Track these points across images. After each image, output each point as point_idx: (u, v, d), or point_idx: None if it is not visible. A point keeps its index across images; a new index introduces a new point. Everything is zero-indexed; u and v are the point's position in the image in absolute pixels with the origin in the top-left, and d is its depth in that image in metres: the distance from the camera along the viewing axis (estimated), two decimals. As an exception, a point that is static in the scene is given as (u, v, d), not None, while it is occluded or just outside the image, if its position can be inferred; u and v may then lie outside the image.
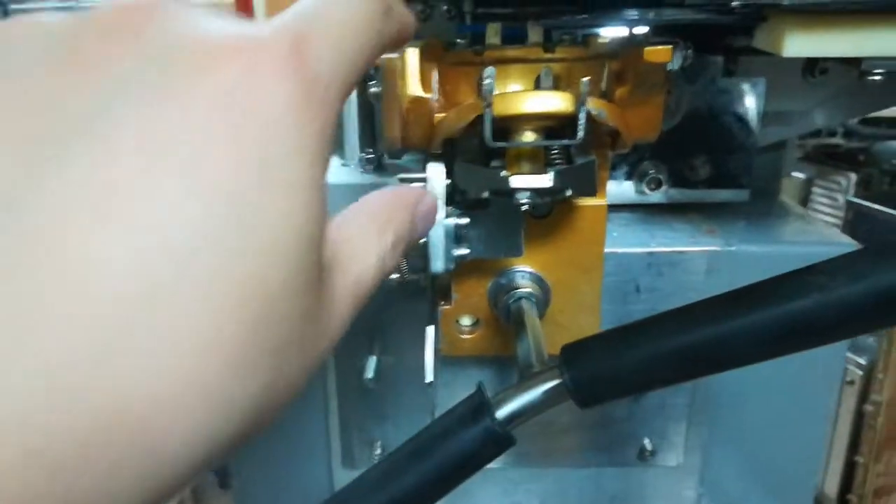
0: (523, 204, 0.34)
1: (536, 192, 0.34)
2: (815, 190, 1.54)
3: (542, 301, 0.39)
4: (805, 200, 1.53)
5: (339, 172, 0.44)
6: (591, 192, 0.35)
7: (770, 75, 0.43)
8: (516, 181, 0.34)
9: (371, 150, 0.43)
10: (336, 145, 0.46)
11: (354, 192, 0.42)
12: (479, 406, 0.33)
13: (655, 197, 0.46)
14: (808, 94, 0.45)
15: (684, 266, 0.41)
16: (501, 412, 0.33)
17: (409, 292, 0.43)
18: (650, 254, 0.41)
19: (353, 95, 0.45)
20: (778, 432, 0.47)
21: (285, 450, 0.46)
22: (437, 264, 0.36)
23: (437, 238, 0.36)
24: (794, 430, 0.47)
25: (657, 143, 0.45)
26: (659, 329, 0.30)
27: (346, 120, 0.45)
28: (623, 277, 0.42)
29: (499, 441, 0.33)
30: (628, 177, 0.46)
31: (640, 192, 0.46)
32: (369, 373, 0.43)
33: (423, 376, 0.45)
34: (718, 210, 0.45)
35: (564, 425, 0.47)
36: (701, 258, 0.41)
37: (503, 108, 0.33)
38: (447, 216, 0.36)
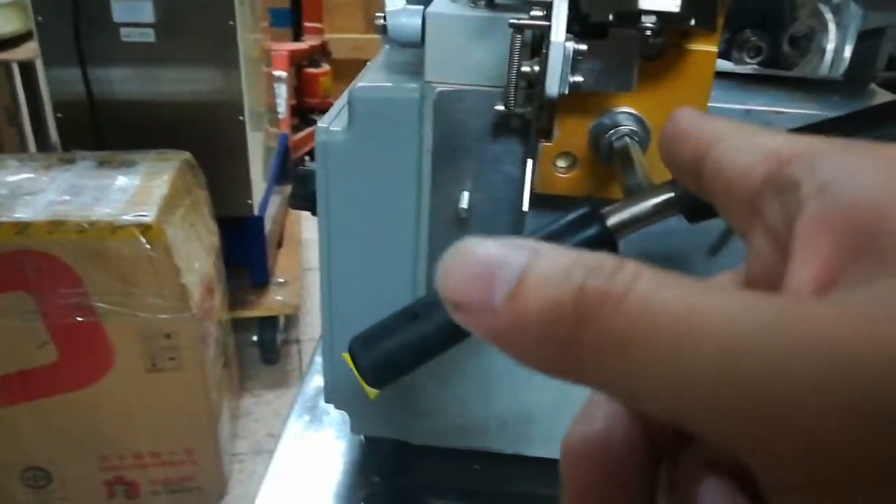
0: (647, 29, 0.36)
1: (661, 17, 0.36)
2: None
3: (644, 143, 0.41)
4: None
5: (448, 3, 0.45)
6: (713, 27, 0.37)
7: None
8: (644, 2, 0.35)
9: (483, -14, 0.45)
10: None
11: (466, 24, 0.43)
12: (590, 214, 0.35)
13: (751, 67, 0.47)
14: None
15: (782, 126, 0.42)
16: (612, 220, 0.35)
17: (510, 128, 0.44)
18: (748, 111, 0.43)
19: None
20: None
21: (373, 274, 0.48)
22: (553, 87, 0.38)
23: (555, 60, 0.38)
24: None
25: (759, 14, 0.46)
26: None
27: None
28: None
29: (605, 245, 0.35)
30: (726, 49, 0.47)
31: (739, 61, 0.47)
32: (463, 203, 0.45)
33: (513, 209, 0.47)
34: (813, 85, 0.46)
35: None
36: (798, 119, 0.42)
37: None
38: (566, 41, 0.38)
